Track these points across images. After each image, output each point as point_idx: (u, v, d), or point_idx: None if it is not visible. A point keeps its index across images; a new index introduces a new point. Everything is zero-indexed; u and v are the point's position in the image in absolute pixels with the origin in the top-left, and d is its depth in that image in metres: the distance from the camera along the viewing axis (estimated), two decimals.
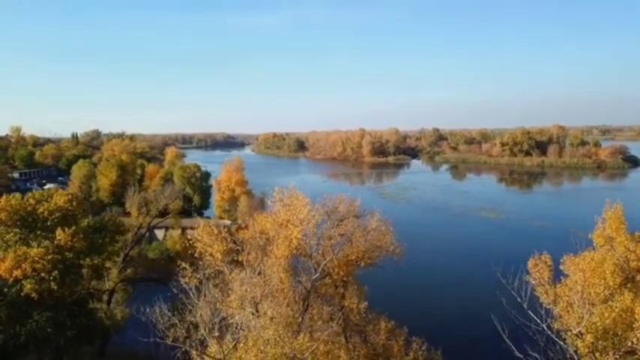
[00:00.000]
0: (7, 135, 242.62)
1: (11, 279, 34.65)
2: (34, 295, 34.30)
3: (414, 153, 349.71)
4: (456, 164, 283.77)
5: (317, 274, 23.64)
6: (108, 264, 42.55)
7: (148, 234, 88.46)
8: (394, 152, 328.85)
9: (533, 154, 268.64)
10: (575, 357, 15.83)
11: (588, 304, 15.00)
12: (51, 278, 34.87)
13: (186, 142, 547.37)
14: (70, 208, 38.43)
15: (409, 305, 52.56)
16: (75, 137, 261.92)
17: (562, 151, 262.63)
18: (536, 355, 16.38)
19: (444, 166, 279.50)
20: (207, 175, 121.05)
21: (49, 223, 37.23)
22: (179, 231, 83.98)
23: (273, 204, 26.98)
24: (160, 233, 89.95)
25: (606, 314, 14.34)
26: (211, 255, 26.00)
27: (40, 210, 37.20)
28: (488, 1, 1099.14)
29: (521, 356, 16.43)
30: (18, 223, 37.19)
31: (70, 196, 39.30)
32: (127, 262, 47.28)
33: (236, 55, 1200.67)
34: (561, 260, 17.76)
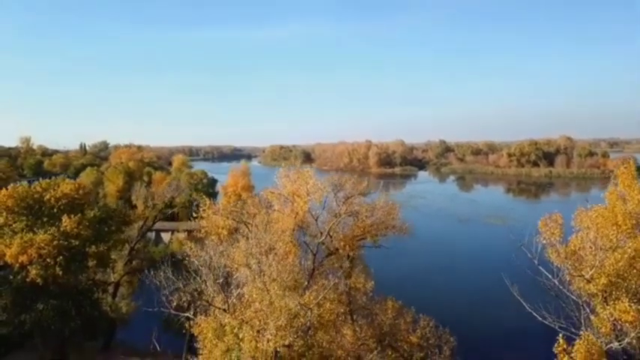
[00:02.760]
0: (17, 146, 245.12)
1: (17, 264, 34.64)
2: (39, 280, 34.23)
3: (420, 164, 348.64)
4: (462, 175, 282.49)
5: (323, 237, 23.38)
6: (113, 255, 42.43)
7: (154, 237, 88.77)
8: (401, 163, 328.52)
9: (541, 165, 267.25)
10: (587, 309, 15.48)
11: (600, 249, 14.69)
12: (56, 264, 34.83)
13: (193, 154, 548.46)
14: (76, 196, 38.47)
15: (418, 294, 52.57)
16: (83, 147, 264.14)
17: (570, 161, 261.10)
18: (547, 313, 16.03)
19: (451, 177, 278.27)
20: (213, 182, 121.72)
21: (55, 210, 37.23)
22: (185, 234, 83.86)
23: (279, 180, 26.86)
24: (166, 237, 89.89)
25: (619, 256, 14.01)
26: (217, 234, 25.83)
27: (47, 197, 37.23)
28: (493, 12, 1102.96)
29: (532, 312, 16.11)
30: (25, 210, 37.23)
31: (76, 185, 39.36)
32: (133, 256, 47.18)
33: (243, 68, 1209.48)
34: (573, 215, 17.47)
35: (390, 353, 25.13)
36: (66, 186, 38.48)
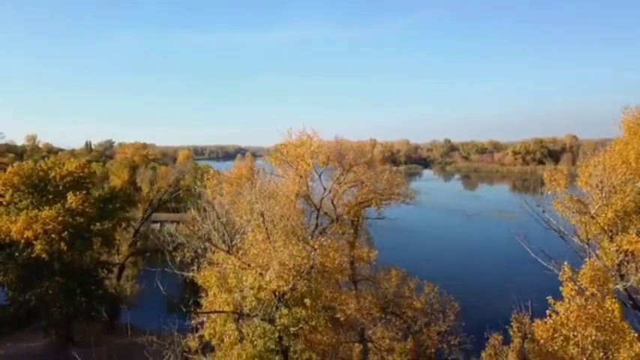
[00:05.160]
0: (23, 144, 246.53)
1: (22, 241, 34.78)
2: (44, 256, 34.34)
3: (425, 163, 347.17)
4: (467, 173, 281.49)
5: (326, 193, 23.33)
6: (118, 236, 42.52)
7: (158, 228, 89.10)
8: (405, 162, 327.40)
9: (546, 163, 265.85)
10: (594, 254, 15.33)
11: (608, 187, 14.54)
12: (61, 240, 34.92)
13: (198, 153, 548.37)
14: (82, 174, 38.62)
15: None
16: (88, 145, 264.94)
17: (575, 159, 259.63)
18: (553, 261, 15.92)
19: (456, 175, 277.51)
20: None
21: (60, 188, 37.41)
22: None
23: (283, 147, 26.78)
24: (171, 228, 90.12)
25: (627, 190, 13.88)
26: (220, 203, 25.75)
27: (52, 175, 37.42)
28: (494, 12, 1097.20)
29: (537, 258, 16.01)
30: (30, 188, 37.41)
31: (81, 163, 39.52)
32: (137, 238, 47.27)
33: (247, 70, 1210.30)
34: (578, 164, 17.37)
35: (393, 320, 25.08)
36: (71, 164, 38.69)
